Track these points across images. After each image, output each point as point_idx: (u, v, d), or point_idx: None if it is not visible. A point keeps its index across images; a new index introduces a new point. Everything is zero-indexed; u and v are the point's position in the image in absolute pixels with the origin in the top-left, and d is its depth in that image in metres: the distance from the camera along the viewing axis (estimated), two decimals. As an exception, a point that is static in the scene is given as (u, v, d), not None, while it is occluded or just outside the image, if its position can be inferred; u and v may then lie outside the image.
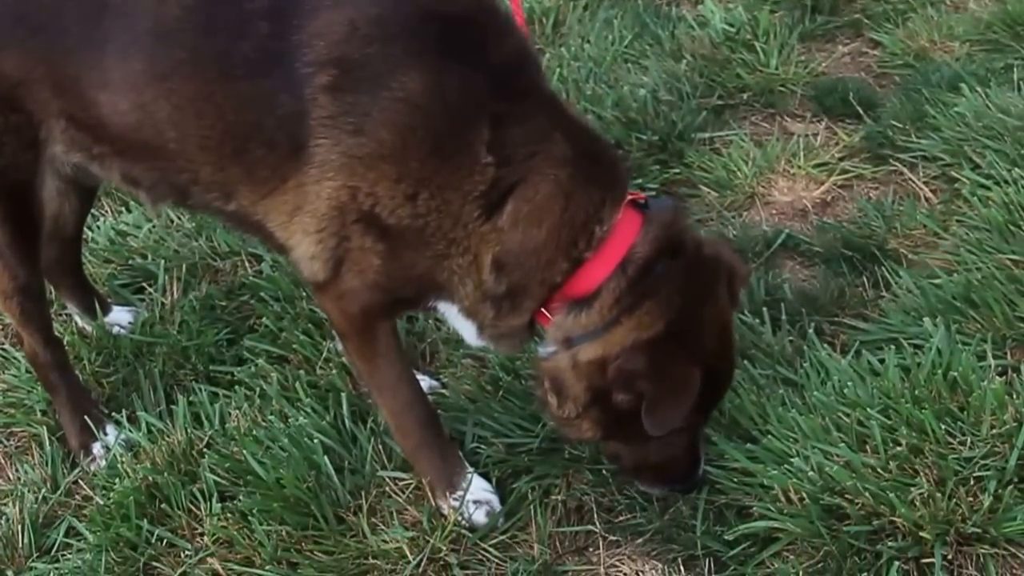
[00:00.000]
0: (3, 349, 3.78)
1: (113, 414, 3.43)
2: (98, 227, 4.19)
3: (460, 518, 2.99)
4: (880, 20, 5.14)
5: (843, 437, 2.94)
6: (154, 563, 3.05)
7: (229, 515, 3.04)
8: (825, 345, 3.35)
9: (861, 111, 4.50)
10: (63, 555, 3.14)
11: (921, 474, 2.83)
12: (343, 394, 3.31)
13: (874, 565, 2.75)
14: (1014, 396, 2.96)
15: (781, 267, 3.82)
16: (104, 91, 2.84)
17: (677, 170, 4.29)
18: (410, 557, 2.92)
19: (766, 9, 5.08)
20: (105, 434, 3.38)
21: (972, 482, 2.81)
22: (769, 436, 3.01)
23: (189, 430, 3.29)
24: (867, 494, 2.79)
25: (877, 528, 2.78)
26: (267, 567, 2.94)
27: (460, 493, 3.01)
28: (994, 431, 2.88)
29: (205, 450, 3.24)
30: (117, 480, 3.19)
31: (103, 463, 3.32)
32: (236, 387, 3.45)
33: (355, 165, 2.68)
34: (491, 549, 2.96)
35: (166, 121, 2.82)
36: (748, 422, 3.10)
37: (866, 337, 3.38)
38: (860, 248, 3.80)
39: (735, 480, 2.97)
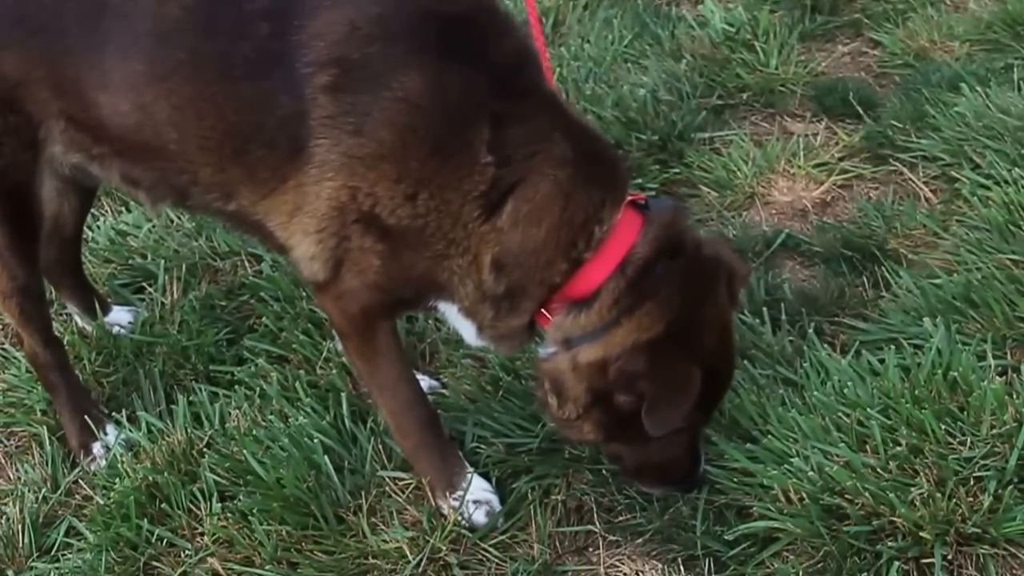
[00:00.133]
0: (3, 349, 3.78)
1: (113, 414, 3.44)
2: (98, 227, 4.19)
3: (460, 518, 2.99)
4: (880, 20, 5.14)
5: (843, 437, 2.94)
6: (154, 563, 3.05)
7: (229, 515, 3.04)
8: (825, 345, 3.35)
9: (861, 111, 4.50)
10: (63, 555, 3.14)
11: (921, 474, 2.83)
12: (343, 394, 3.31)
13: (874, 565, 2.75)
14: (1014, 396, 2.96)
15: (781, 267, 3.82)
16: (104, 92, 2.84)
17: (677, 170, 4.29)
18: (410, 557, 2.92)
19: (766, 9, 5.08)
20: (105, 434, 3.38)
21: (972, 482, 2.81)
22: (769, 436, 3.01)
23: (189, 430, 3.30)
24: (867, 494, 2.79)
25: (877, 528, 2.78)
26: (267, 567, 2.94)
27: (460, 493, 3.01)
28: (994, 431, 2.88)
29: (205, 450, 3.24)
30: (117, 480, 3.20)
31: (103, 463, 3.32)
32: (236, 387, 3.45)
33: (355, 165, 2.68)
34: (491, 549, 2.96)
35: (166, 122, 2.82)
36: (748, 422, 3.10)
37: (866, 337, 3.38)
38: (860, 248, 3.80)
39: (735, 480, 2.97)
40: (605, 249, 2.73)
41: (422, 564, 2.92)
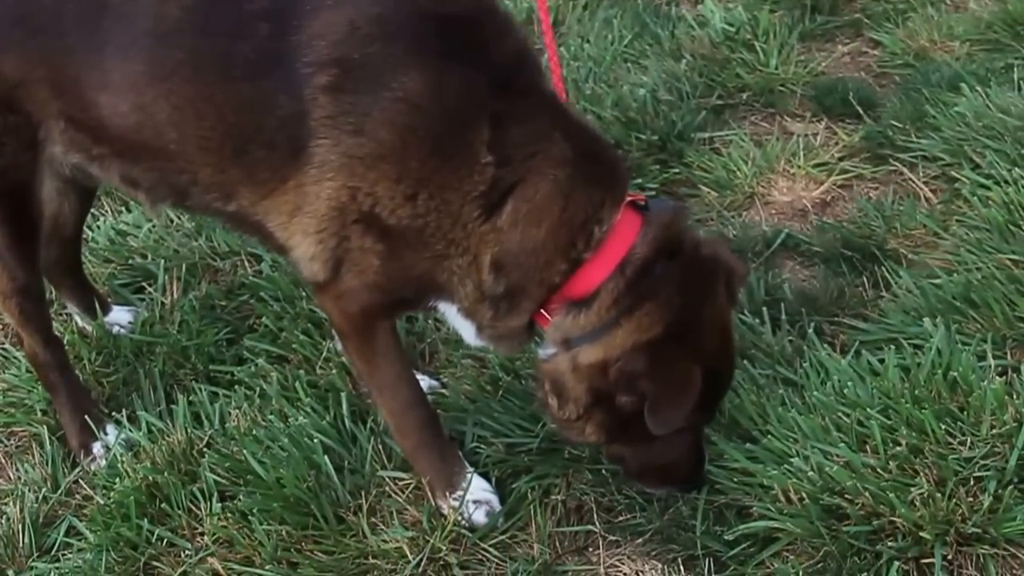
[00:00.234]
0: (3, 349, 3.78)
1: (113, 414, 3.44)
2: (98, 227, 4.19)
3: (460, 518, 2.99)
4: (880, 20, 5.14)
5: (843, 437, 2.94)
6: (154, 562, 3.05)
7: (229, 515, 3.04)
8: (825, 345, 3.35)
9: (861, 111, 4.50)
10: (63, 554, 3.14)
11: (921, 474, 2.83)
12: (343, 394, 3.31)
13: (874, 565, 2.75)
14: (1014, 396, 2.96)
15: (781, 267, 3.82)
16: (104, 92, 2.84)
17: (677, 170, 4.29)
18: (410, 557, 2.92)
19: (766, 9, 5.08)
20: (105, 434, 3.38)
21: (972, 482, 2.81)
22: (769, 436, 3.01)
23: (189, 430, 3.30)
24: (867, 494, 2.79)
25: (877, 528, 2.78)
26: (267, 567, 2.94)
27: (460, 493, 3.01)
28: (994, 431, 2.88)
29: (205, 450, 3.24)
30: (117, 480, 3.20)
31: (103, 463, 3.32)
32: (236, 387, 3.45)
33: (355, 165, 2.68)
34: (491, 549, 2.96)
35: (166, 122, 2.82)
36: (748, 422, 3.10)
37: (866, 337, 3.38)
38: (860, 248, 3.80)
39: (735, 480, 2.97)
40: (605, 249, 2.73)
41: (422, 564, 2.92)
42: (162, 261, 3.94)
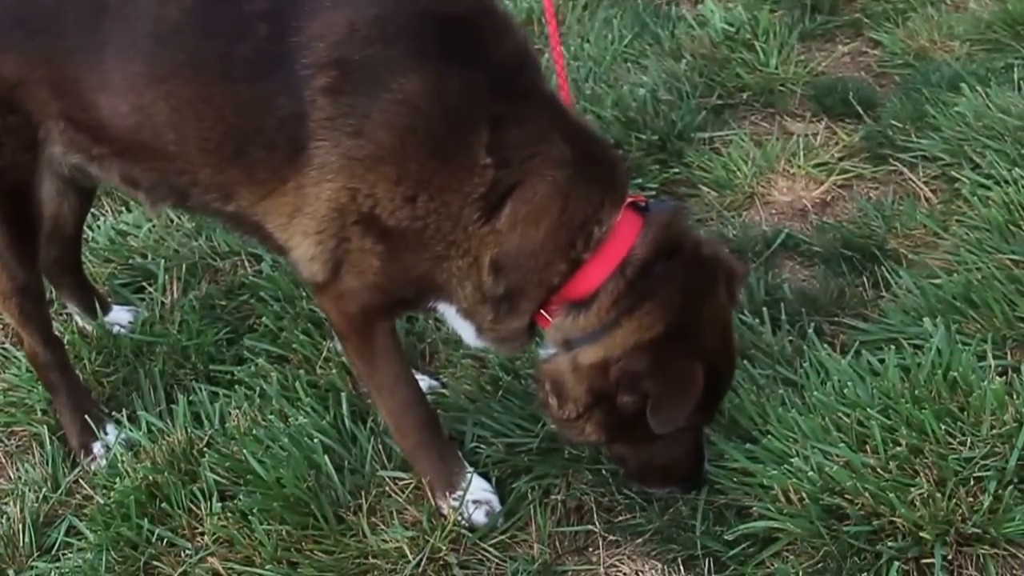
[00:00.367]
0: (3, 349, 3.78)
1: (113, 413, 3.44)
2: (98, 227, 4.19)
3: (460, 518, 2.99)
4: (880, 20, 5.14)
5: (843, 437, 2.94)
6: (154, 562, 3.05)
7: (229, 515, 3.05)
8: (825, 345, 3.35)
9: (861, 111, 4.50)
10: (64, 554, 3.14)
11: (921, 474, 2.83)
12: (343, 394, 3.32)
13: (874, 565, 2.76)
14: (1014, 396, 2.96)
15: (781, 267, 3.82)
16: (103, 93, 2.84)
17: (677, 170, 4.29)
18: (410, 557, 2.92)
19: (766, 9, 5.08)
20: (105, 433, 3.38)
21: (972, 482, 2.81)
22: (769, 436, 3.01)
23: (189, 430, 3.30)
24: (867, 494, 2.79)
25: (877, 528, 2.78)
26: (267, 567, 2.94)
27: (460, 493, 3.01)
28: (994, 431, 2.89)
29: (205, 450, 3.25)
30: (117, 479, 3.20)
31: (103, 462, 3.32)
32: (236, 387, 3.45)
33: (354, 167, 2.68)
34: (491, 549, 2.96)
35: (165, 123, 2.82)
36: (748, 422, 3.10)
37: (866, 337, 3.38)
38: (860, 248, 3.81)
39: (735, 480, 2.98)
40: (604, 250, 2.73)
41: (422, 564, 2.92)
42: (162, 261, 3.95)
